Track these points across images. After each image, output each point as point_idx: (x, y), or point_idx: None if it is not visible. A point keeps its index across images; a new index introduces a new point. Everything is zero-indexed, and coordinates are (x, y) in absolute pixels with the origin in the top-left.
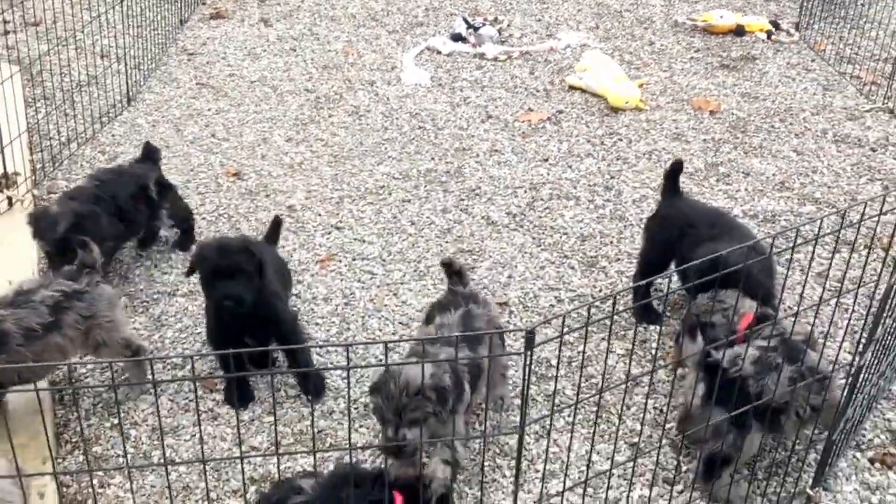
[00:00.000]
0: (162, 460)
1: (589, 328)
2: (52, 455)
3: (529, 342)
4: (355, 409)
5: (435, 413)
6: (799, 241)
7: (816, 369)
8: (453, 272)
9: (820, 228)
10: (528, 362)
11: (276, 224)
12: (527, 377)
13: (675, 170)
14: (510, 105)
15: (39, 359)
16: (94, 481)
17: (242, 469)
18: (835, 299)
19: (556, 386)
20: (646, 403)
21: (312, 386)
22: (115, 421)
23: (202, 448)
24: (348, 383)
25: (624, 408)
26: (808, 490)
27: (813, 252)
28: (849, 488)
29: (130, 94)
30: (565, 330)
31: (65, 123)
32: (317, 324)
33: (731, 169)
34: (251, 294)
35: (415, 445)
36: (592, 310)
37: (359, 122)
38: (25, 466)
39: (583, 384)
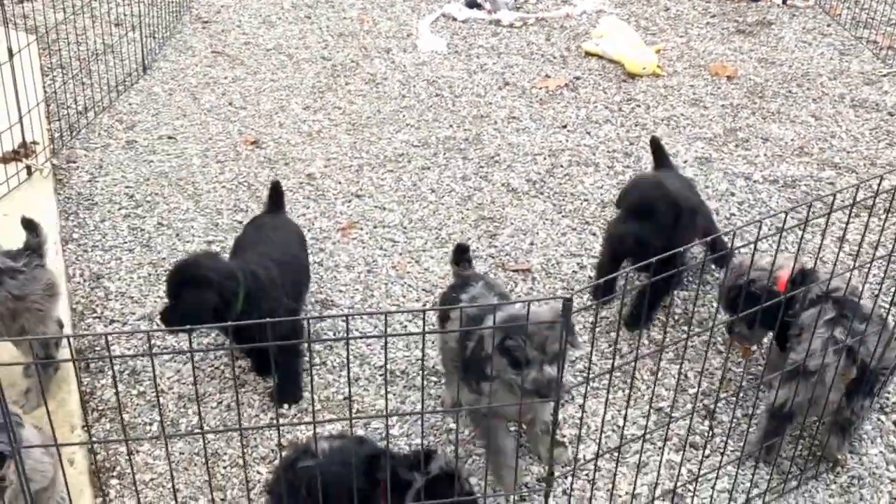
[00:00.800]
0: (190, 428)
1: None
2: (86, 423)
3: (567, 309)
4: (381, 375)
5: (570, 343)
6: (820, 207)
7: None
8: (465, 258)
9: (832, 198)
10: (565, 329)
11: (276, 189)
12: (563, 345)
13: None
14: (527, 72)
15: None
16: (123, 448)
17: (279, 435)
18: (865, 267)
19: (592, 352)
20: (680, 367)
21: (290, 393)
22: (141, 389)
23: (239, 416)
24: (386, 351)
25: (648, 374)
26: (836, 453)
27: (848, 220)
28: (874, 451)
29: (146, 62)
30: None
31: (81, 92)
32: (340, 291)
33: (749, 134)
34: (206, 317)
35: (559, 383)
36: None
37: (376, 89)
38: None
39: (606, 351)
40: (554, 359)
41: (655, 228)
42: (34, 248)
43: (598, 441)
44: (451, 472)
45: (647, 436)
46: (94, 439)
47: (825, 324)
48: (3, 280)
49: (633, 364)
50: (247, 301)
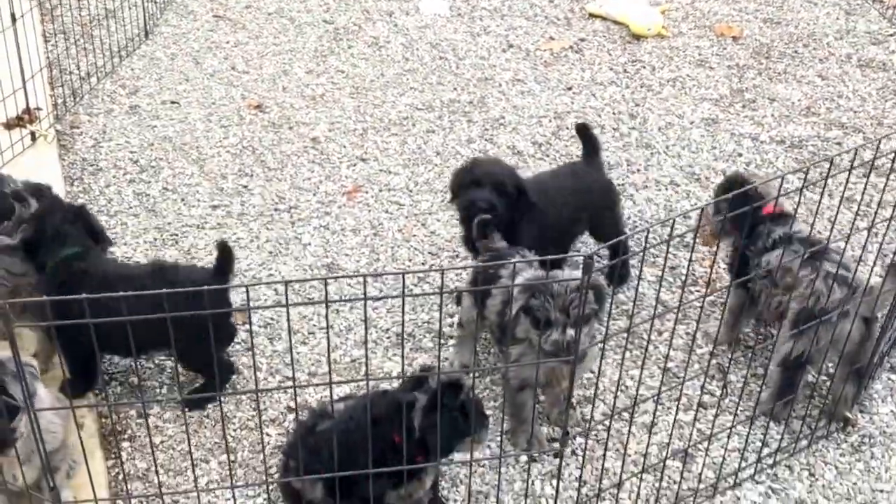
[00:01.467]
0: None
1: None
2: (103, 389)
3: (588, 267)
4: (388, 338)
5: (595, 313)
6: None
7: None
8: (489, 231)
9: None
10: (584, 288)
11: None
12: (582, 303)
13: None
14: (531, 34)
15: None
16: (133, 412)
17: (295, 398)
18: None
19: (610, 312)
20: (697, 325)
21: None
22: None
23: (256, 379)
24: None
25: (656, 334)
26: (846, 412)
27: (847, 179)
28: (885, 410)
29: (147, 27)
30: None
31: (84, 58)
32: (346, 255)
33: (756, 95)
34: None
35: (586, 350)
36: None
37: (379, 53)
38: (66, 400)
39: (615, 314)
40: (578, 322)
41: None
42: (27, 221)
43: (607, 402)
44: (454, 382)
45: (658, 397)
46: (106, 402)
47: (805, 265)
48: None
49: (649, 324)
50: None
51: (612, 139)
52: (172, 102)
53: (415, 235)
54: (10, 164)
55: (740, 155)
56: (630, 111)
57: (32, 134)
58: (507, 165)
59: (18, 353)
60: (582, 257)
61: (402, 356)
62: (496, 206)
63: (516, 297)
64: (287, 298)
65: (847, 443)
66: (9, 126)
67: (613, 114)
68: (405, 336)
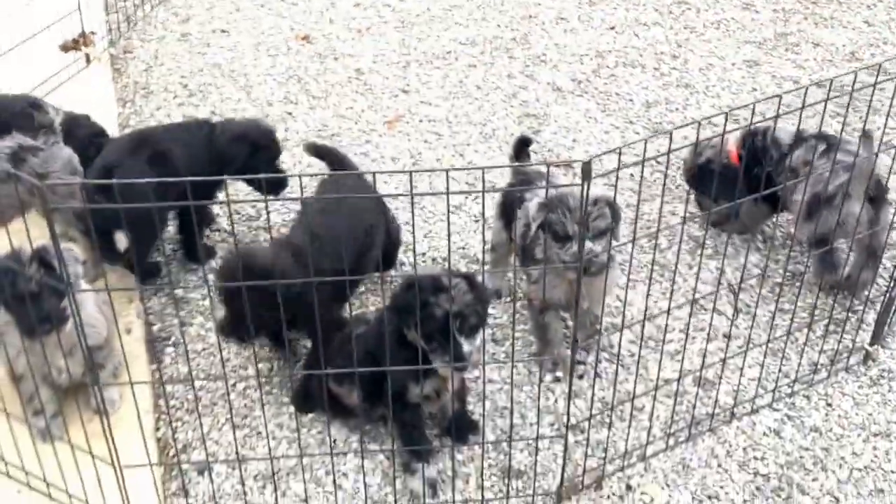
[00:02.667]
0: None
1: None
2: (142, 296)
3: (586, 173)
4: (431, 258)
5: (612, 228)
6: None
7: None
8: (526, 152)
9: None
10: (584, 194)
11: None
12: (584, 208)
13: None
14: None
15: (4, 202)
16: (177, 321)
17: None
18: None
19: (632, 249)
20: (701, 252)
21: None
22: (195, 266)
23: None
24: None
25: (686, 268)
26: (867, 346)
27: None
28: None
29: None
30: (621, 165)
31: None
32: (385, 182)
33: (800, 39)
34: None
35: (603, 260)
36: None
37: None
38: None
39: (646, 247)
40: (597, 235)
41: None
42: (47, 125)
43: (635, 331)
44: (468, 276)
45: (675, 324)
46: (147, 311)
47: (822, 155)
48: (25, 157)
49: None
50: None
51: (651, 78)
52: (222, 31)
53: (452, 165)
54: (65, 85)
55: (780, 97)
56: (672, 52)
57: (87, 56)
58: None
59: (57, 236)
60: (580, 162)
61: (449, 248)
62: None
63: (534, 215)
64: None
65: (867, 376)
66: (65, 48)
67: (655, 54)
68: (441, 260)
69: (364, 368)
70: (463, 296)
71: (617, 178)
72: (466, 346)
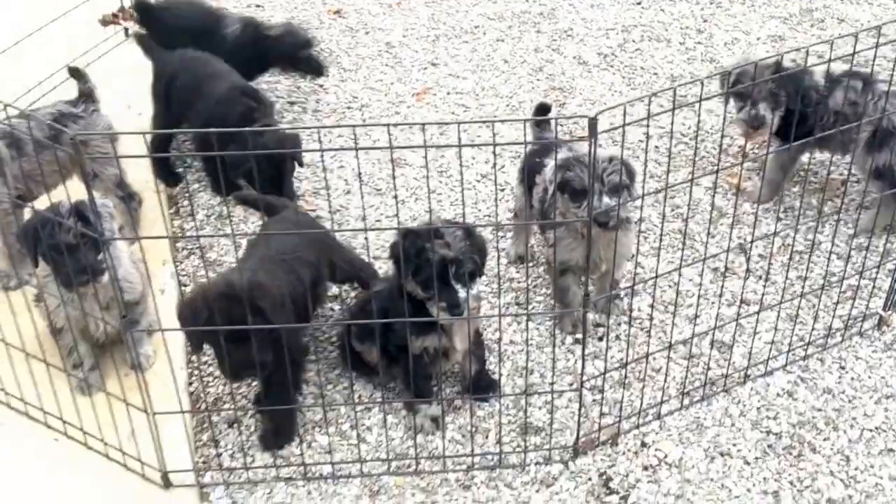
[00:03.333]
0: None
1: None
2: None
3: (592, 129)
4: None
5: (626, 186)
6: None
7: None
8: (546, 119)
9: None
10: (592, 150)
11: None
12: (591, 162)
13: None
14: None
15: (46, 169)
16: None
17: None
18: None
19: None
20: (713, 202)
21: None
22: (228, 230)
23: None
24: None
25: (706, 235)
26: (881, 312)
27: None
28: None
29: None
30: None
31: None
32: (413, 152)
33: (825, 14)
34: None
35: (620, 215)
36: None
37: None
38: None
39: (669, 216)
40: (613, 190)
41: None
42: (88, 94)
43: (655, 296)
44: (465, 224)
45: (701, 292)
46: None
47: (862, 91)
48: (66, 125)
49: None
50: None
51: (677, 52)
52: (257, 6)
53: (479, 136)
54: (105, 58)
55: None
56: (697, 26)
57: (126, 30)
58: None
59: (92, 190)
60: (587, 118)
61: (463, 199)
62: None
63: (551, 177)
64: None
65: (880, 341)
66: (104, 22)
67: (681, 28)
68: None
69: (352, 321)
70: (458, 243)
71: (624, 133)
72: (462, 293)
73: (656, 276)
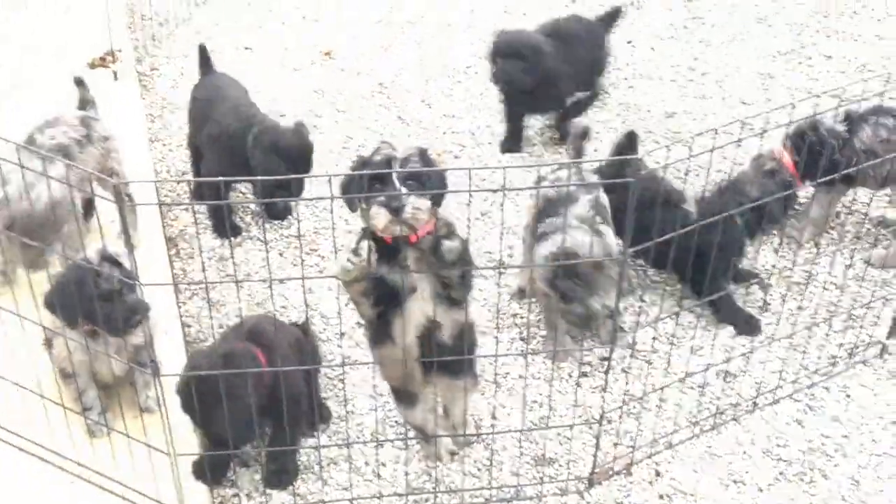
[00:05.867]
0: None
1: None
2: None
3: (637, 168)
4: None
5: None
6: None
7: None
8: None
9: None
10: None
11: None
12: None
13: None
14: None
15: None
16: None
17: None
18: None
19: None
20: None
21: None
22: (230, 271)
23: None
24: None
25: None
26: (883, 340)
27: None
28: None
29: None
30: None
31: (163, 5)
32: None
33: (813, 52)
34: None
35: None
36: None
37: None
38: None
39: None
40: (603, 293)
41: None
42: (91, 101)
43: (658, 329)
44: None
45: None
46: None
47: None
48: (93, 124)
49: None
50: None
51: (668, 90)
52: (246, 48)
53: (477, 174)
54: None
55: (794, 107)
56: (689, 64)
57: (114, 73)
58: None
59: (128, 230)
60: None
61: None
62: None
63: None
64: None
65: (883, 368)
66: (92, 66)
67: (671, 66)
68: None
69: None
70: (406, 150)
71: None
72: (404, 189)
73: (658, 318)
